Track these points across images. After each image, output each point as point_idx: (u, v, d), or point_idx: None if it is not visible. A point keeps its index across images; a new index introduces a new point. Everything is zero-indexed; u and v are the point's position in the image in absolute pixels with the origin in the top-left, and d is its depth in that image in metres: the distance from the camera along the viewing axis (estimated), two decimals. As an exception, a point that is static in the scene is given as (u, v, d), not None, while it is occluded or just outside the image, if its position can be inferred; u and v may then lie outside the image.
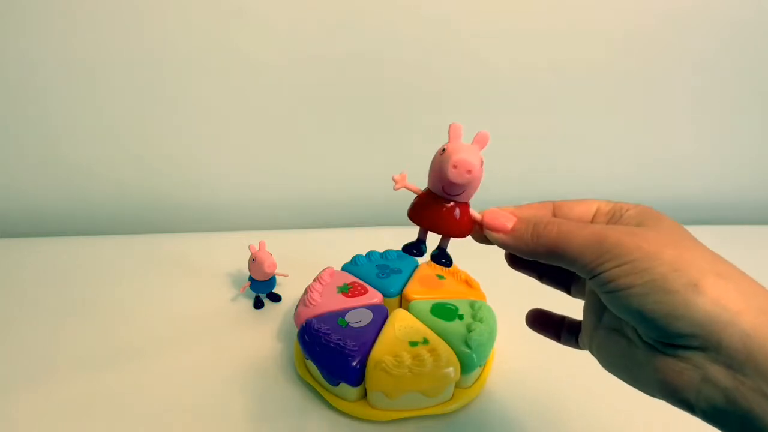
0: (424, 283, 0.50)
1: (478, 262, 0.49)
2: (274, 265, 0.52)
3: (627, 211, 0.26)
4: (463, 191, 0.27)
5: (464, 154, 0.25)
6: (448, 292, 0.49)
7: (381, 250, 0.55)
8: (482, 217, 0.28)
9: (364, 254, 0.54)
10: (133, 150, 0.68)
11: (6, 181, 0.69)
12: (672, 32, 0.67)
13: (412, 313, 0.45)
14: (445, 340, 0.42)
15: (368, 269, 0.52)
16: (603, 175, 0.78)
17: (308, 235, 0.71)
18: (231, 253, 0.61)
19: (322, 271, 0.51)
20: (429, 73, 0.66)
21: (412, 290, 0.49)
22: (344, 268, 0.53)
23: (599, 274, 0.23)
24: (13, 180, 0.69)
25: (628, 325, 0.24)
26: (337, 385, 0.41)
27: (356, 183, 0.75)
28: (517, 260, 0.31)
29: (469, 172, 0.25)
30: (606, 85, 0.70)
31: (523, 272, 0.32)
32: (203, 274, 0.60)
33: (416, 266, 0.53)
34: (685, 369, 0.21)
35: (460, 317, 0.45)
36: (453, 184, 0.26)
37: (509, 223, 0.27)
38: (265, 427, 0.40)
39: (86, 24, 0.59)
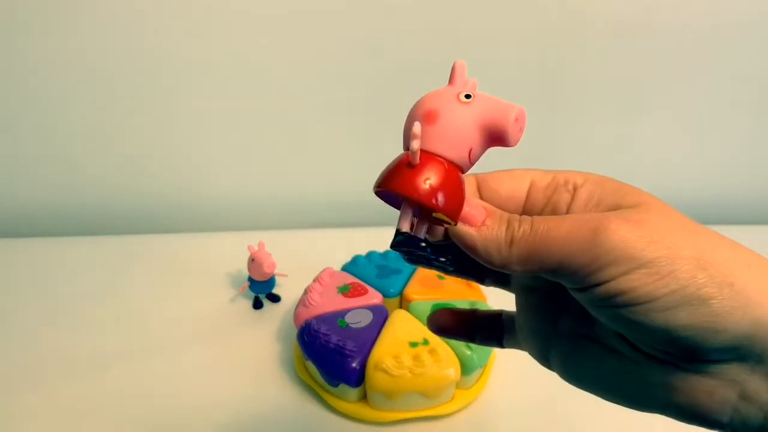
0: (425, 284, 0.50)
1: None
2: (274, 266, 0.52)
3: (578, 187, 0.20)
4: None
5: (517, 105, 0.19)
6: (448, 292, 0.48)
7: (381, 250, 0.55)
8: None
9: (364, 254, 0.54)
10: (133, 150, 0.68)
11: (6, 181, 0.69)
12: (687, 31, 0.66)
13: (412, 314, 0.45)
14: (445, 341, 0.42)
15: (368, 269, 0.51)
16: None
17: (308, 235, 0.71)
18: (230, 254, 0.61)
19: (322, 271, 0.50)
20: (432, 70, 0.66)
21: (412, 291, 0.49)
22: (344, 268, 0.53)
23: (598, 284, 0.17)
24: (13, 180, 0.69)
25: (614, 334, 0.19)
26: (336, 386, 0.41)
27: (356, 183, 0.74)
28: (444, 327, 0.25)
29: (521, 130, 0.19)
30: (616, 83, 0.70)
31: (455, 338, 0.26)
32: (202, 274, 0.60)
33: (416, 266, 0.53)
34: (717, 387, 0.17)
35: (461, 318, 0.44)
36: (507, 143, 0.19)
37: (479, 215, 0.19)
38: (265, 428, 0.40)
39: (84, 24, 0.59)
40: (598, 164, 0.77)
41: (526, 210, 0.21)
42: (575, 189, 0.20)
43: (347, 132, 0.70)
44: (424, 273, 0.51)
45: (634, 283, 0.16)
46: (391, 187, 0.19)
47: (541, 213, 0.21)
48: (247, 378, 0.45)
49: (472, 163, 0.20)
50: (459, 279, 0.50)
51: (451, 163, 0.19)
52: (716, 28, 0.67)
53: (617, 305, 0.17)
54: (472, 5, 0.63)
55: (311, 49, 0.63)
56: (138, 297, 0.56)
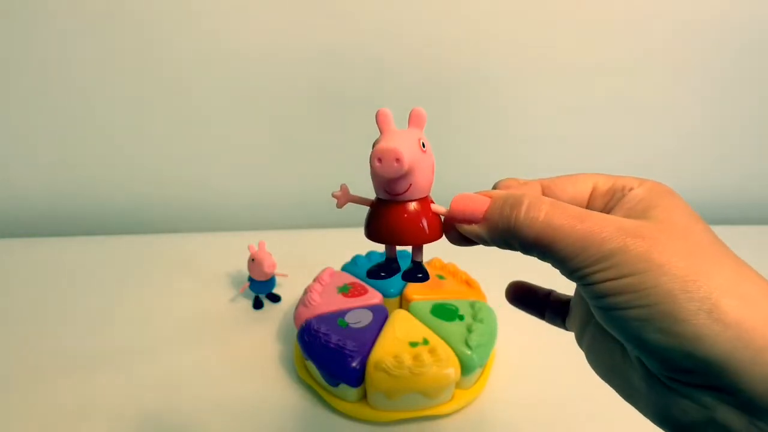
0: (425, 284, 0.49)
1: (479, 262, 0.48)
2: (274, 265, 0.52)
3: (631, 189, 0.21)
4: (409, 185, 0.22)
5: (385, 142, 0.21)
6: (448, 292, 0.48)
7: (381, 250, 0.55)
8: (449, 208, 0.22)
9: (364, 254, 0.54)
10: (133, 150, 0.68)
11: (6, 181, 0.69)
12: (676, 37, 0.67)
13: (412, 314, 0.45)
14: (445, 341, 0.42)
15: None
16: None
17: (308, 235, 0.71)
18: (230, 254, 0.61)
19: (322, 271, 0.50)
20: (431, 69, 0.66)
21: (413, 290, 0.49)
22: (344, 268, 0.53)
23: (591, 284, 0.18)
24: (13, 180, 0.69)
25: None
26: (336, 386, 0.41)
27: (357, 183, 0.74)
28: (521, 298, 0.28)
29: (398, 160, 0.20)
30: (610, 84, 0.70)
31: (526, 311, 0.28)
32: (202, 274, 0.60)
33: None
34: (689, 407, 0.18)
35: (461, 318, 0.44)
36: (387, 181, 0.22)
37: (483, 207, 0.21)
38: (265, 428, 0.40)
39: (86, 27, 0.59)
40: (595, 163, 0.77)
41: None
42: (630, 191, 0.21)
43: (347, 132, 0.70)
44: (424, 273, 0.51)
45: (618, 288, 0.17)
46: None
47: None
48: (247, 378, 0.45)
49: (395, 195, 0.23)
50: (459, 279, 0.50)
51: (382, 201, 0.24)
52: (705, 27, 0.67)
53: (604, 307, 0.18)
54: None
55: (311, 49, 0.63)
56: (138, 297, 0.56)
